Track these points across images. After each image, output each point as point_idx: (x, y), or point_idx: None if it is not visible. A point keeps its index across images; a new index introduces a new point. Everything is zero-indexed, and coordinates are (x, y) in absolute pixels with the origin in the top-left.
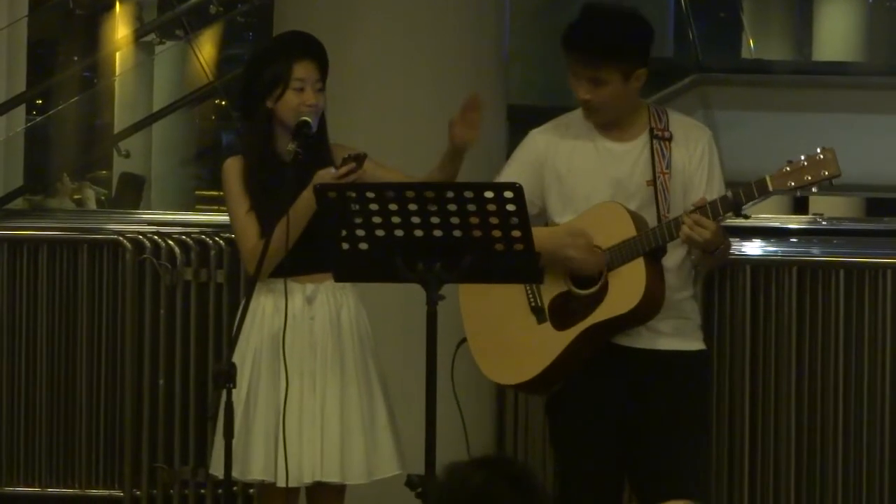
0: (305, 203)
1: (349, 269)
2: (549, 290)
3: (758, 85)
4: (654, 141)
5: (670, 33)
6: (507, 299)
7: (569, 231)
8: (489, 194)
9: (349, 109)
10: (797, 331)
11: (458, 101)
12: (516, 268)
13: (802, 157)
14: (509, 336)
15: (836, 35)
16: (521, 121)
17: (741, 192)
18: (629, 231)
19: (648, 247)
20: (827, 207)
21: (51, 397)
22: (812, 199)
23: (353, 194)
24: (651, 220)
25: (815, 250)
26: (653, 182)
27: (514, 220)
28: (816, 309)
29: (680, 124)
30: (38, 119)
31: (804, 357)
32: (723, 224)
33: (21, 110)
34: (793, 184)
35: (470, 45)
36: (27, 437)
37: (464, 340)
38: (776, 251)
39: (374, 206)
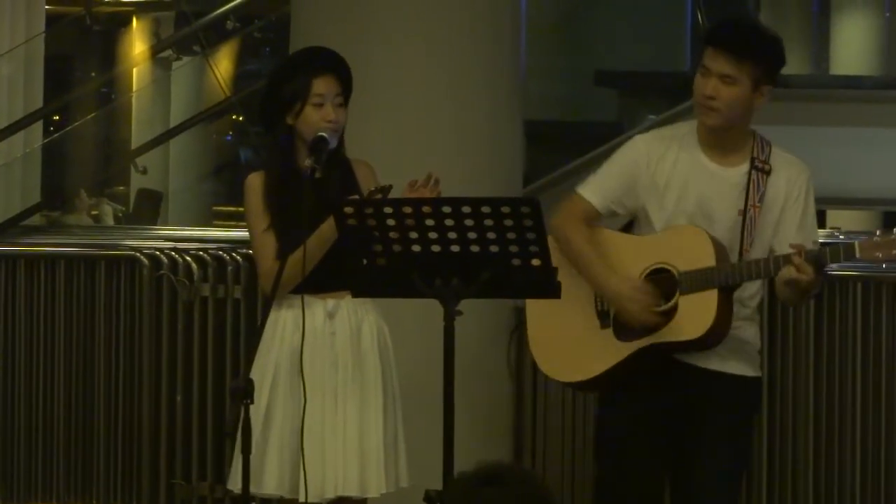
0: (327, 230)
1: (367, 285)
2: None
3: (775, 99)
4: (753, 172)
5: (687, 47)
6: (575, 297)
7: (635, 286)
8: (506, 209)
9: (366, 124)
10: (815, 343)
11: (476, 117)
12: (534, 283)
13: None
14: (570, 334)
15: (854, 49)
16: (538, 136)
17: (827, 252)
18: (709, 260)
19: (727, 281)
20: (844, 221)
21: (68, 413)
22: (830, 213)
23: (371, 210)
24: (732, 250)
25: (832, 264)
26: (743, 213)
27: (531, 234)
28: (834, 322)
29: (781, 159)
30: (56, 135)
31: (822, 369)
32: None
33: (38, 126)
34: (879, 255)
35: (487, 60)
36: (45, 453)
37: (516, 329)
38: None
39: (391, 222)
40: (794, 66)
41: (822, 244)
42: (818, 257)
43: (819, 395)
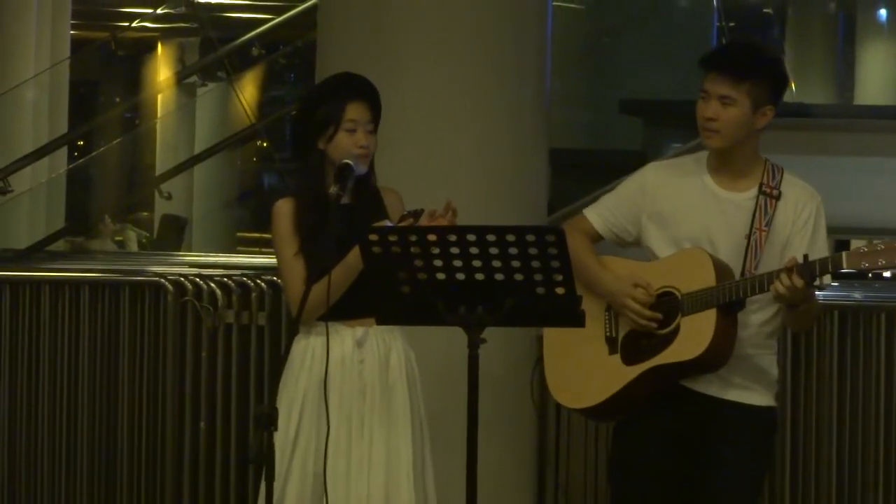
0: (353, 260)
1: (391, 312)
2: (627, 324)
3: (799, 128)
4: (761, 196)
5: None
6: (588, 324)
7: (634, 281)
8: (531, 237)
9: (392, 152)
10: (838, 374)
11: (501, 145)
12: (558, 311)
13: (880, 242)
14: (580, 360)
15: (878, 79)
16: (564, 165)
17: (817, 264)
18: (709, 280)
19: (725, 299)
20: None
21: (92, 439)
22: (854, 243)
23: (396, 238)
24: (737, 273)
25: (856, 294)
26: (748, 236)
27: (556, 263)
28: (858, 352)
29: (791, 185)
30: (80, 160)
31: (845, 401)
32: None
33: (63, 152)
34: (866, 264)
35: (512, 88)
36: (68, 479)
37: (539, 360)
38: (817, 295)
39: (416, 250)
40: (818, 96)
41: (844, 274)
42: (808, 269)
43: (842, 425)
